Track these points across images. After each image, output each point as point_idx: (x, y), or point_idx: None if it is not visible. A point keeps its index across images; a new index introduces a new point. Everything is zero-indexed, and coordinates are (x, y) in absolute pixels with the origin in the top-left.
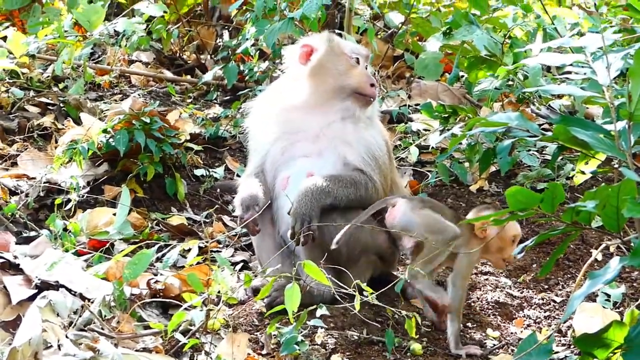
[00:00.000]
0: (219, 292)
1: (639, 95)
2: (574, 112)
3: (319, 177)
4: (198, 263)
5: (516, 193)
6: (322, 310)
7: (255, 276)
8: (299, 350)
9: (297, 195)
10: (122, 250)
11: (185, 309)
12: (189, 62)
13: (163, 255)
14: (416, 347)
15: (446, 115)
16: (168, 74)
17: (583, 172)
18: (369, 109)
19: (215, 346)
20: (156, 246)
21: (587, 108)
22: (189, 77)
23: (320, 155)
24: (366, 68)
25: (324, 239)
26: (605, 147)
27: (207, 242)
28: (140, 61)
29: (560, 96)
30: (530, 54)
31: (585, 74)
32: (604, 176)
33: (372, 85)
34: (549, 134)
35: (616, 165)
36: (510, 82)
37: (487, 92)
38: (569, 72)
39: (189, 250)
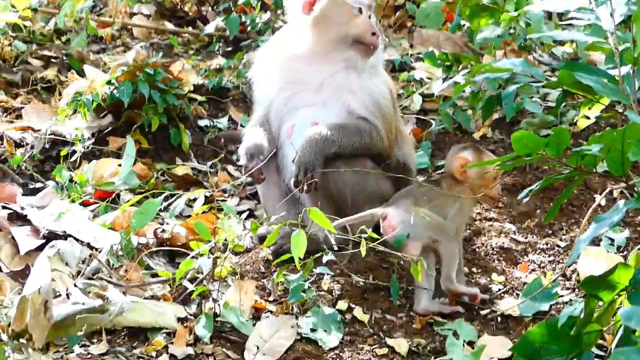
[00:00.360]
0: (225, 240)
1: None
2: (576, 59)
3: (324, 125)
4: (204, 212)
5: (522, 137)
6: (328, 257)
7: (262, 224)
8: (306, 296)
9: (301, 144)
10: (128, 200)
11: (193, 257)
12: (190, 14)
13: (169, 205)
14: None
15: (449, 64)
16: (169, 26)
17: (587, 117)
18: (372, 58)
19: (223, 293)
20: (162, 196)
21: (590, 55)
22: (190, 28)
23: (324, 104)
24: (369, 17)
25: (328, 186)
26: (610, 92)
27: (213, 191)
28: (142, 13)
29: (562, 43)
30: (532, 1)
31: (589, 19)
32: (607, 121)
33: (374, 34)
34: (554, 79)
35: (620, 110)
36: (512, 30)
37: (488, 40)
38: (572, 19)
39: (195, 199)
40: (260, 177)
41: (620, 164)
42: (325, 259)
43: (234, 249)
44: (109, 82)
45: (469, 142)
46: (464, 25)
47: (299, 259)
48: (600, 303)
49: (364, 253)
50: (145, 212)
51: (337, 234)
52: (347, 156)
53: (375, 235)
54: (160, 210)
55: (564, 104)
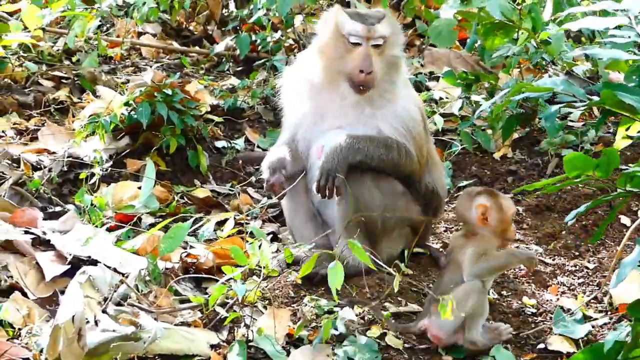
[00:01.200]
0: (257, 264)
1: None
2: (597, 77)
3: (350, 135)
4: (229, 236)
5: (573, 159)
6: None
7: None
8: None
9: (326, 151)
10: (150, 224)
11: (224, 282)
12: (195, 33)
13: (193, 229)
14: None
15: (468, 83)
16: (177, 46)
17: (630, 137)
18: (401, 77)
19: (255, 319)
20: (191, 220)
21: (609, 73)
22: (197, 48)
23: (352, 126)
24: (368, 52)
25: (359, 209)
26: None
27: (241, 214)
28: (148, 33)
29: (578, 61)
30: (541, 19)
31: (630, 37)
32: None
33: (362, 71)
34: (595, 98)
35: None
36: (530, 48)
37: (501, 59)
38: (612, 37)
39: (218, 222)
40: (282, 191)
41: None
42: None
43: (269, 273)
44: (126, 104)
45: (482, 186)
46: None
47: (336, 290)
48: None
49: (397, 288)
50: (175, 236)
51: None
52: (377, 177)
53: (407, 270)
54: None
55: (582, 123)
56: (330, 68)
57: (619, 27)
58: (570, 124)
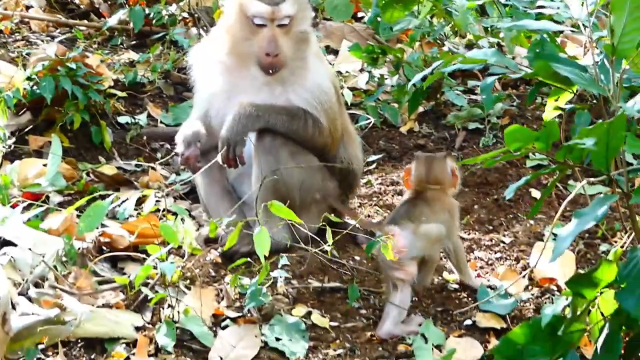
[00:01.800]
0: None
1: (622, 29)
2: (502, 50)
3: (249, 103)
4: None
5: (514, 131)
6: (283, 260)
7: (201, 226)
8: (264, 301)
9: (226, 120)
10: (58, 203)
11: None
12: (82, 6)
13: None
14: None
15: (374, 57)
16: (68, 20)
17: (561, 108)
18: (312, 49)
19: (180, 300)
20: (110, 197)
21: (514, 47)
22: (85, 21)
23: (265, 100)
24: (273, 34)
25: (276, 185)
26: (587, 83)
27: (161, 191)
28: (32, 7)
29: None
30: None
31: (558, 8)
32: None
33: (269, 54)
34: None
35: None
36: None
37: (397, 33)
38: (541, 7)
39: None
40: (197, 165)
41: (605, 157)
42: (281, 262)
43: (193, 252)
44: (29, 78)
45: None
46: (363, 17)
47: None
48: None
49: (329, 252)
50: (94, 214)
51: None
52: (294, 152)
53: (329, 237)
54: None
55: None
56: (238, 49)
57: None
58: (473, 97)
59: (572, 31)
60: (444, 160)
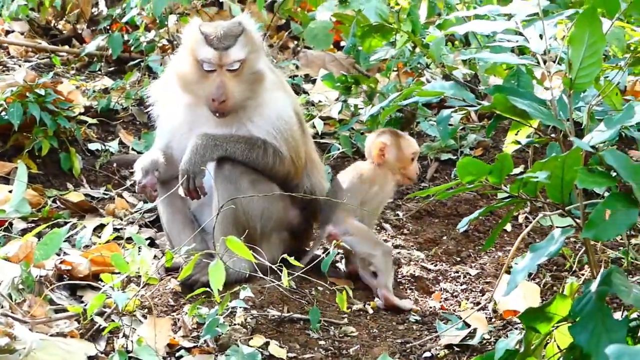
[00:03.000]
0: (137, 272)
1: (580, 63)
2: (475, 81)
3: (208, 134)
4: (107, 242)
5: (467, 164)
6: (245, 292)
7: (164, 254)
8: (221, 331)
9: (186, 152)
10: (22, 230)
11: (104, 290)
12: (64, 32)
13: (68, 235)
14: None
15: (347, 86)
16: (47, 45)
17: (518, 142)
18: (270, 80)
19: (134, 329)
20: (67, 225)
21: (488, 78)
22: (66, 47)
23: (224, 132)
24: (230, 71)
25: (236, 213)
26: (545, 117)
27: (118, 219)
28: (15, 31)
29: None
30: (417, 21)
31: (517, 41)
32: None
33: (214, 100)
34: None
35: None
36: (407, 52)
37: (377, 62)
38: (501, 41)
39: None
40: (154, 194)
41: (560, 191)
42: (242, 294)
43: (148, 281)
44: None
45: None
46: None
47: (218, 290)
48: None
49: (286, 283)
50: (50, 242)
51: (256, 262)
52: (254, 180)
53: (297, 263)
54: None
55: (462, 127)
56: (191, 91)
57: (506, 32)
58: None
59: (536, 64)
60: (375, 136)
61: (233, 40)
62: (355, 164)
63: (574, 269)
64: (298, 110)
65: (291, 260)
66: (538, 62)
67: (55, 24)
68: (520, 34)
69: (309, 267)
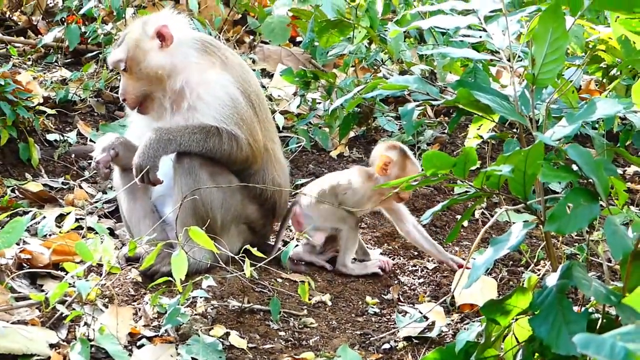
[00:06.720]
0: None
1: (542, 59)
2: (432, 77)
3: (161, 128)
4: (68, 231)
5: (432, 157)
6: (208, 281)
7: (124, 244)
8: (182, 321)
9: (139, 146)
10: None
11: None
12: (19, 23)
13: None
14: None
15: (306, 81)
16: (1, 36)
17: (481, 137)
18: (215, 70)
19: (96, 318)
20: (30, 214)
21: (446, 74)
22: (22, 38)
23: (178, 122)
24: (124, 71)
25: (196, 205)
26: (507, 111)
27: (82, 209)
28: None
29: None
30: (374, 17)
31: (480, 37)
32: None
33: (125, 100)
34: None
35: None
36: (363, 48)
37: (334, 58)
38: (465, 36)
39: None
40: (106, 171)
41: (522, 185)
42: (204, 283)
43: (111, 270)
44: None
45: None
46: (300, 41)
47: (180, 280)
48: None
49: (248, 274)
50: (12, 231)
51: (219, 253)
52: (213, 172)
53: (259, 254)
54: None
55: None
56: None
57: (469, 27)
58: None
59: (498, 60)
60: (385, 148)
61: (119, 43)
62: (359, 167)
63: (530, 265)
64: (246, 89)
65: (253, 251)
66: (500, 58)
67: (11, 15)
68: (484, 29)
69: (269, 258)
